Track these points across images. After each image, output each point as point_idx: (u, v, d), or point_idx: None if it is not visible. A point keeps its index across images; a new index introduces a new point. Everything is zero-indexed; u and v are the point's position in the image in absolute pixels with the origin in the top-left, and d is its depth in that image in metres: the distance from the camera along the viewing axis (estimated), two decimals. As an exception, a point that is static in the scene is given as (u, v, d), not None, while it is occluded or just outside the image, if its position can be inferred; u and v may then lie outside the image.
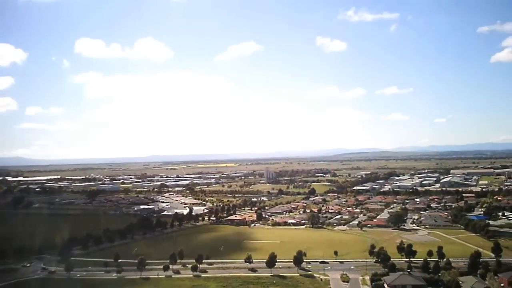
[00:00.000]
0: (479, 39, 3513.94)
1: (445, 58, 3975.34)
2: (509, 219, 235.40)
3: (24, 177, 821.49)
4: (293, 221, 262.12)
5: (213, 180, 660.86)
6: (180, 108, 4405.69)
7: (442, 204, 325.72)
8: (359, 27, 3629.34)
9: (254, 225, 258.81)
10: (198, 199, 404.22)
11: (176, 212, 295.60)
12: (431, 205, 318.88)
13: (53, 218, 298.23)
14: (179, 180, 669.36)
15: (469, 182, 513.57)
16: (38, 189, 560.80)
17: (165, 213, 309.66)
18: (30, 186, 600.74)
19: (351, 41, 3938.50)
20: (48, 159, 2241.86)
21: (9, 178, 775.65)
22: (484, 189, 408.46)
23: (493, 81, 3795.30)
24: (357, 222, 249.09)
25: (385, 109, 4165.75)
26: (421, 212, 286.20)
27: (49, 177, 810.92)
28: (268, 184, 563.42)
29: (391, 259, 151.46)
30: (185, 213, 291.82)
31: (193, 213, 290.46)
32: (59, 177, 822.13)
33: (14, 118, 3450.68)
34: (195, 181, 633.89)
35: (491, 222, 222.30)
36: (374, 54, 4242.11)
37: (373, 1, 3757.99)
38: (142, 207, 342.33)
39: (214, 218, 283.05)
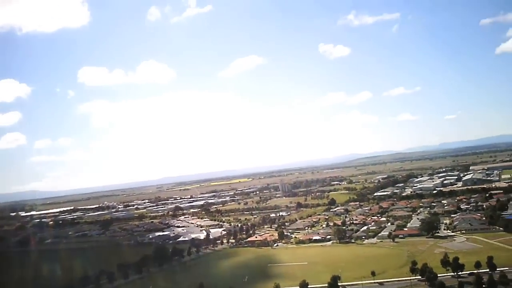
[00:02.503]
0: (482, 32, 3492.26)
1: (450, 54, 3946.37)
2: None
3: (37, 211, 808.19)
4: (317, 237, 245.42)
5: (228, 198, 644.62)
6: (188, 127, 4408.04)
7: (473, 204, 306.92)
8: (360, 30, 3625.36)
9: (277, 245, 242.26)
10: (215, 220, 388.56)
11: (192, 238, 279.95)
12: (461, 207, 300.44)
13: (65, 255, 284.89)
14: (193, 201, 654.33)
15: (491, 178, 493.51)
16: (51, 222, 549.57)
17: (181, 239, 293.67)
18: (43, 220, 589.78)
19: (354, 45, 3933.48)
20: (61, 190, 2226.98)
21: (22, 213, 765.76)
22: (510, 184, 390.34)
23: (500, 72, 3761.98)
24: (387, 233, 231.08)
25: (394, 110, 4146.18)
26: (452, 216, 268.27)
27: (62, 209, 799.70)
28: (284, 198, 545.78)
29: (439, 276, 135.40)
30: (202, 237, 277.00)
31: (211, 237, 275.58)
32: (72, 208, 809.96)
33: (24, 153, 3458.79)
34: (209, 201, 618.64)
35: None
36: (378, 56, 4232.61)
37: (372, 3, 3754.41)
38: (157, 234, 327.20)
39: (233, 240, 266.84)
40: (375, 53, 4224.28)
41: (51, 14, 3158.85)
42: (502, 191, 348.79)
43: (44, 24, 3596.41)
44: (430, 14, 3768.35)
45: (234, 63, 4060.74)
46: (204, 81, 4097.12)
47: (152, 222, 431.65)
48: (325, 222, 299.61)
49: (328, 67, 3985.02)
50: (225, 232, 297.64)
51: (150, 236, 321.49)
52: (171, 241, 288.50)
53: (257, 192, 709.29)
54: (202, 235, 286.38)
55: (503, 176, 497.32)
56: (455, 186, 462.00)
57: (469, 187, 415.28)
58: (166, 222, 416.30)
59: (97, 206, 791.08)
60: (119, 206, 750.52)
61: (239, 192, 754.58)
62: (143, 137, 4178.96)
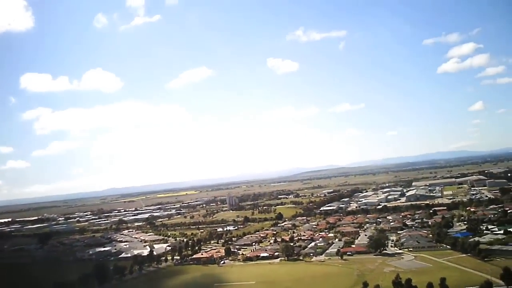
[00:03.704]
0: (425, 52, 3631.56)
1: (394, 72, 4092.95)
2: (495, 234, 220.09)
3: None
4: (265, 254, 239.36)
5: (173, 211, 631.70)
6: (135, 138, 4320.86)
7: (418, 221, 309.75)
8: (308, 46, 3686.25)
9: (223, 263, 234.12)
10: (160, 234, 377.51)
11: (135, 254, 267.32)
12: (406, 223, 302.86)
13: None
14: (138, 214, 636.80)
15: (434, 194, 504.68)
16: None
17: (123, 255, 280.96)
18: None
19: (302, 61, 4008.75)
20: (0, 200, 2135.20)
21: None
22: (453, 200, 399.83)
23: (440, 91, 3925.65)
24: (335, 249, 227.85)
25: (339, 125, 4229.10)
26: (399, 232, 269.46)
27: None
28: (231, 211, 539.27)
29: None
30: (145, 254, 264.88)
31: (155, 253, 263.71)
32: (10, 219, 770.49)
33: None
34: (155, 214, 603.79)
35: (480, 240, 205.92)
36: (326, 72, 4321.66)
37: (320, 20, 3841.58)
38: (98, 249, 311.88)
39: (179, 257, 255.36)
40: (323, 69, 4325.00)
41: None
42: (445, 208, 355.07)
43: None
44: (375, 33, 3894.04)
45: (182, 74, 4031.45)
46: (152, 92, 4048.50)
47: (93, 236, 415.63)
48: (273, 238, 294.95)
49: (277, 81, 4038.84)
50: (170, 248, 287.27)
51: (91, 252, 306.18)
52: (112, 258, 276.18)
53: (204, 205, 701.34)
54: (145, 251, 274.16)
55: (445, 193, 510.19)
56: (399, 201, 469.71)
57: (412, 202, 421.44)
58: (109, 236, 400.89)
59: (37, 218, 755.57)
60: (60, 219, 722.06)
61: (185, 205, 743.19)
62: (87, 147, 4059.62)
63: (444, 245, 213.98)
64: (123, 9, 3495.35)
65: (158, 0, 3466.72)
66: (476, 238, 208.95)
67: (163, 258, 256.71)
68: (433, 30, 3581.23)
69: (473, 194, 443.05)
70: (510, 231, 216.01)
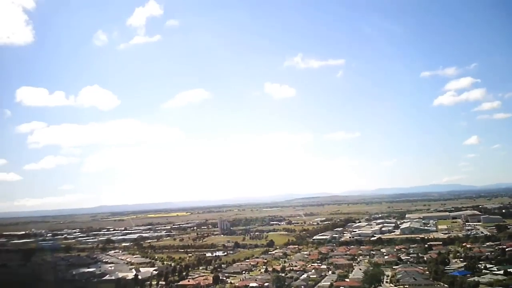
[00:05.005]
0: (422, 84, 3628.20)
1: (390, 103, 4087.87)
2: (495, 274, 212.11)
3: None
4: (254, 284, 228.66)
5: (163, 233, 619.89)
6: (128, 156, 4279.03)
7: (414, 255, 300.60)
8: (306, 73, 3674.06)
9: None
10: (147, 257, 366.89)
11: (119, 277, 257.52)
12: (401, 257, 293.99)
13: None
14: (127, 234, 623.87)
15: (428, 228, 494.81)
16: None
17: (107, 277, 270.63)
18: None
19: (299, 87, 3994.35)
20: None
21: None
22: (449, 235, 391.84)
23: (435, 124, 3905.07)
24: (328, 283, 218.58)
25: (333, 153, 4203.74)
26: (394, 267, 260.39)
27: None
28: (222, 236, 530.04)
29: None
30: (130, 277, 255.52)
31: (140, 277, 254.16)
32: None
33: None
34: (144, 234, 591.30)
35: (480, 280, 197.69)
36: (322, 99, 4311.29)
37: (318, 48, 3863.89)
38: (81, 270, 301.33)
39: (164, 283, 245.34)
40: (319, 96, 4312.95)
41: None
42: (441, 243, 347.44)
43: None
44: (374, 63, 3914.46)
45: (179, 95, 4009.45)
46: (148, 111, 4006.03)
47: (79, 255, 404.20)
48: (264, 267, 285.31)
49: (273, 106, 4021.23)
50: (156, 272, 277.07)
51: (74, 273, 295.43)
52: (95, 279, 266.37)
53: (195, 228, 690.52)
54: (130, 275, 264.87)
55: (439, 227, 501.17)
56: (393, 233, 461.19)
57: (407, 235, 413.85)
58: (94, 256, 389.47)
59: (24, 233, 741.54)
60: (48, 235, 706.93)
61: (176, 226, 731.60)
62: (80, 162, 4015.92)
63: (442, 284, 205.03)
64: (123, 27, 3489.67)
65: (159, 21, 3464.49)
66: (476, 278, 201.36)
67: (148, 282, 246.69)
68: (431, 63, 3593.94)
69: (468, 230, 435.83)
70: (510, 271, 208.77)
